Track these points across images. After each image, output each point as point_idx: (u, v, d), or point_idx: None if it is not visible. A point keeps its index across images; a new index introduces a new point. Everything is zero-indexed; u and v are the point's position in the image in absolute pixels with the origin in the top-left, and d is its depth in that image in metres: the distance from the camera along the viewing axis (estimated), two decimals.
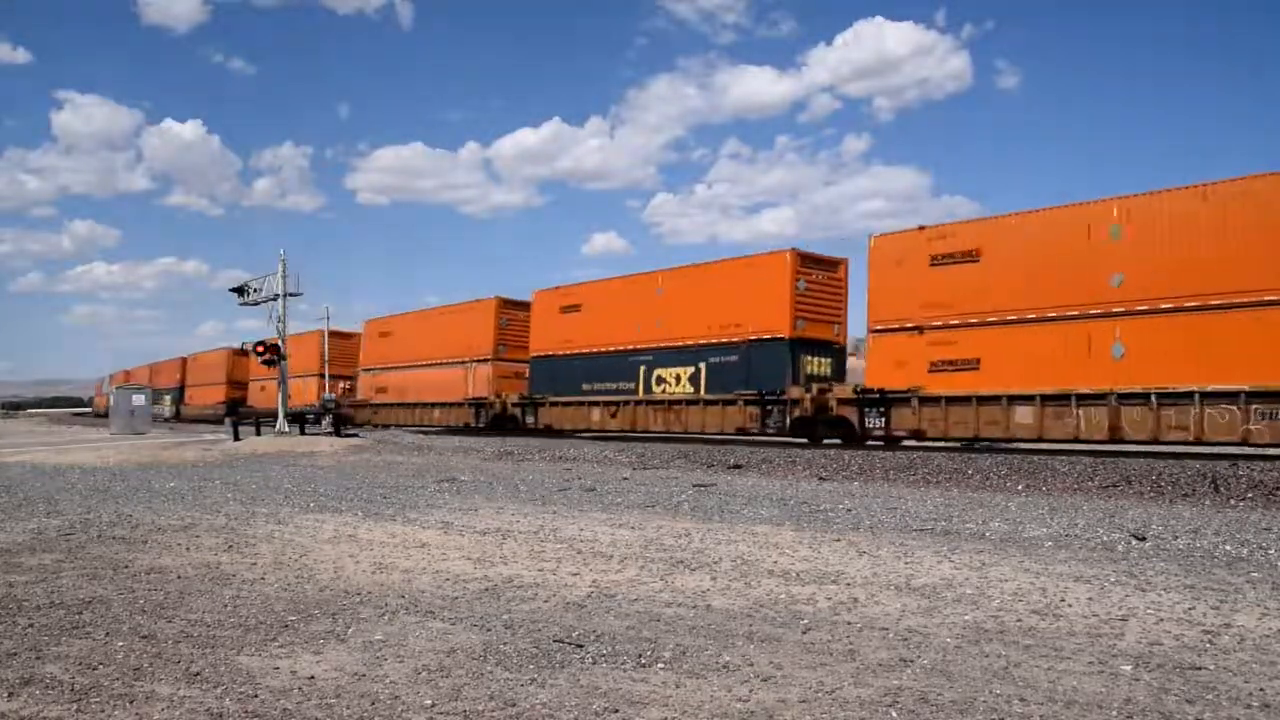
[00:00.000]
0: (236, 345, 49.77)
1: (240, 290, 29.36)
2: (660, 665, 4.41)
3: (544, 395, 27.83)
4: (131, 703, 3.92)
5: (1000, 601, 5.72)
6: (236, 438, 25.85)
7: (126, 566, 7.05)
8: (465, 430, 30.92)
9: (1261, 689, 4.00)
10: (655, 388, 24.28)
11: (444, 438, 27.14)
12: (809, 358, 21.75)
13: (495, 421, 29.95)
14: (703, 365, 23.03)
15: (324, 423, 29.74)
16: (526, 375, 29.63)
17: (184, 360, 60.87)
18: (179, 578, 6.62)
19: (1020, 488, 12.46)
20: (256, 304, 28.95)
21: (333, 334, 41.96)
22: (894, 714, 3.71)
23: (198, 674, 4.29)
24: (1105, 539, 8.19)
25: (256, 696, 3.97)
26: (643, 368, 24.62)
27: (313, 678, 4.23)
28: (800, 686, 4.07)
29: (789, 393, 20.84)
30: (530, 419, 28.43)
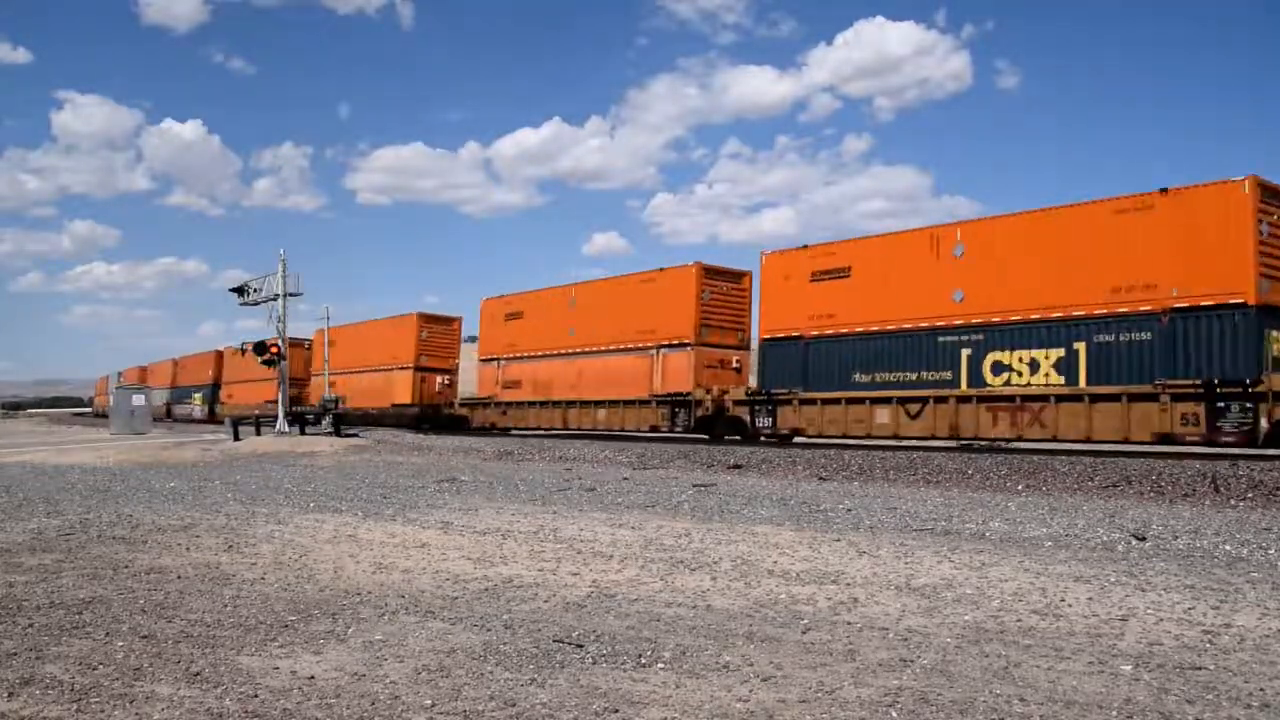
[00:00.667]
0: (274, 338, 43.39)
1: (240, 290, 29.40)
2: (660, 665, 4.41)
3: (788, 390, 20.73)
4: (131, 703, 3.92)
5: (1000, 601, 5.72)
6: (237, 438, 25.87)
7: (126, 566, 7.05)
8: (651, 436, 24.48)
9: (1261, 689, 4.00)
10: (991, 378, 17.42)
11: (444, 437, 26.97)
12: (1276, 333, 15.04)
13: (704, 424, 23.03)
14: (1080, 346, 16.28)
15: (324, 423, 29.73)
16: (734, 365, 23.78)
17: (219, 354, 52.86)
18: (179, 578, 6.62)
19: (1020, 488, 12.46)
20: (256, 304, 29.01)
21: (425, 318, 34.74)
22: (894, 714, 3.71)
23: (198, 674, 4.29)
24: (1105, 539, 8.19)
25: (256, 696, 3.97)
26: (966, 351, 17.81)
27: (313, 678, 4.23)
28: (800, 686, 4.07)
29: (1271, 382, 14.27)
30: (764, 421, 21.31)
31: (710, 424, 22.90)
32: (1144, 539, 8.11)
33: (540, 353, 28.21)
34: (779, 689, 4.04)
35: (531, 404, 28.26)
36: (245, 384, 47.15)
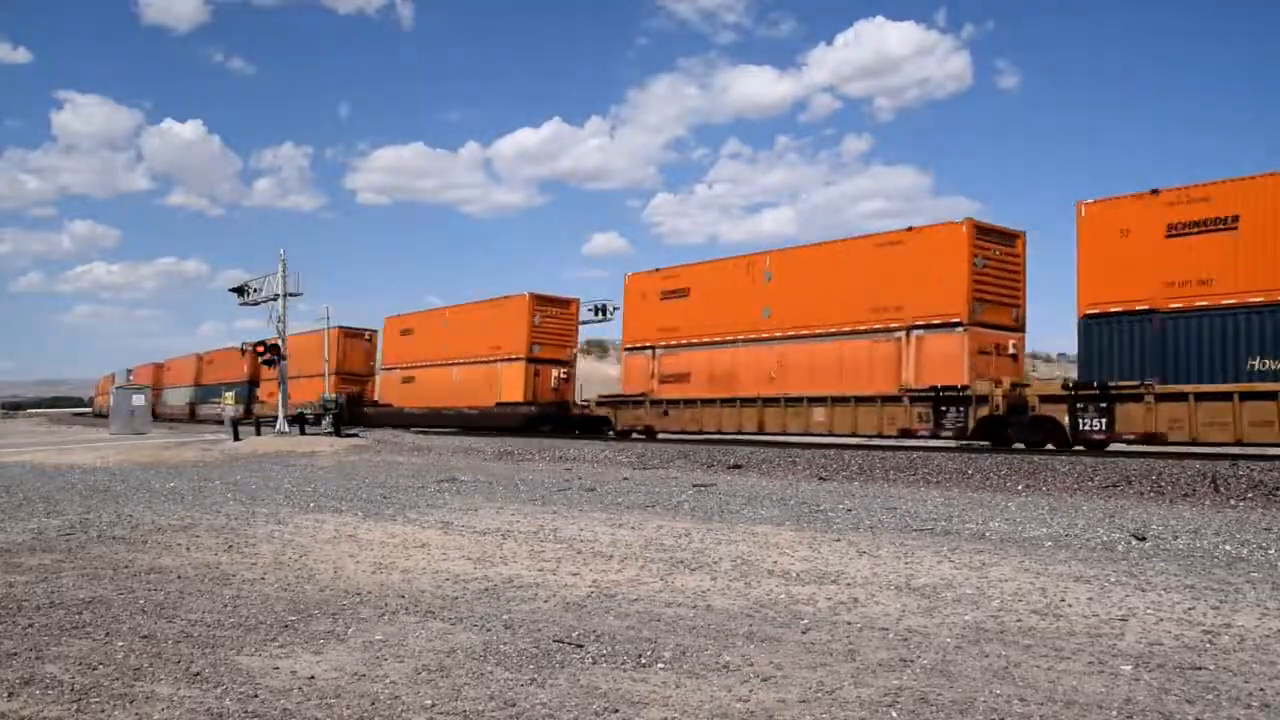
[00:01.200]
0: (350, 326, 36.94)
1: (240, 290, 29.46)
2: (660, 665, 4.41)
3: (1138, 381, 15.49)
4: (131, 703, 3.92)
5: (1000, 601, 5.72)
6: (236, 438, 25.87)
7: (126, 566, 7.05)
8: (894, 444, 19.26)
9: (1261, 689, 4.00)
10: None
11: (444, 437, 26.79)
12: None
13: (988, 427, 17.57)
14: None
15: (324, 423, 29.73)
16: (1010, 350, 18.52)
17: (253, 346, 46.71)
18: (179, 578, 6.62)
19: (1020, 488, 12.46)
20: (256, 304, 29.08)
21: (539, 300, 28.64)
22: (894, 714, 3.71)
23: (198, 674, 4.29)
24: (1105, 539, 8.19)
25: (256, 696, 3.97)
26: None
27: (313, 678, 4.23)
28: (800, 686, 4.07)
29: None
30: (1093, 423, 15.99)
31: (997, 426, 17.51)
32: (1144, 539, 8.11)
33: (718, 338, 22.49)
34: (779, 689, 4.04)
35: (707, 402, 22.55)
36: (291, 381, 39.14)
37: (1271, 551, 7.44)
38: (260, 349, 27.71)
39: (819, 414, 20.09)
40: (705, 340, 22.97)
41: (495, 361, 29.12)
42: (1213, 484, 11.56)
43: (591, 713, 3.76)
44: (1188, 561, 7.08)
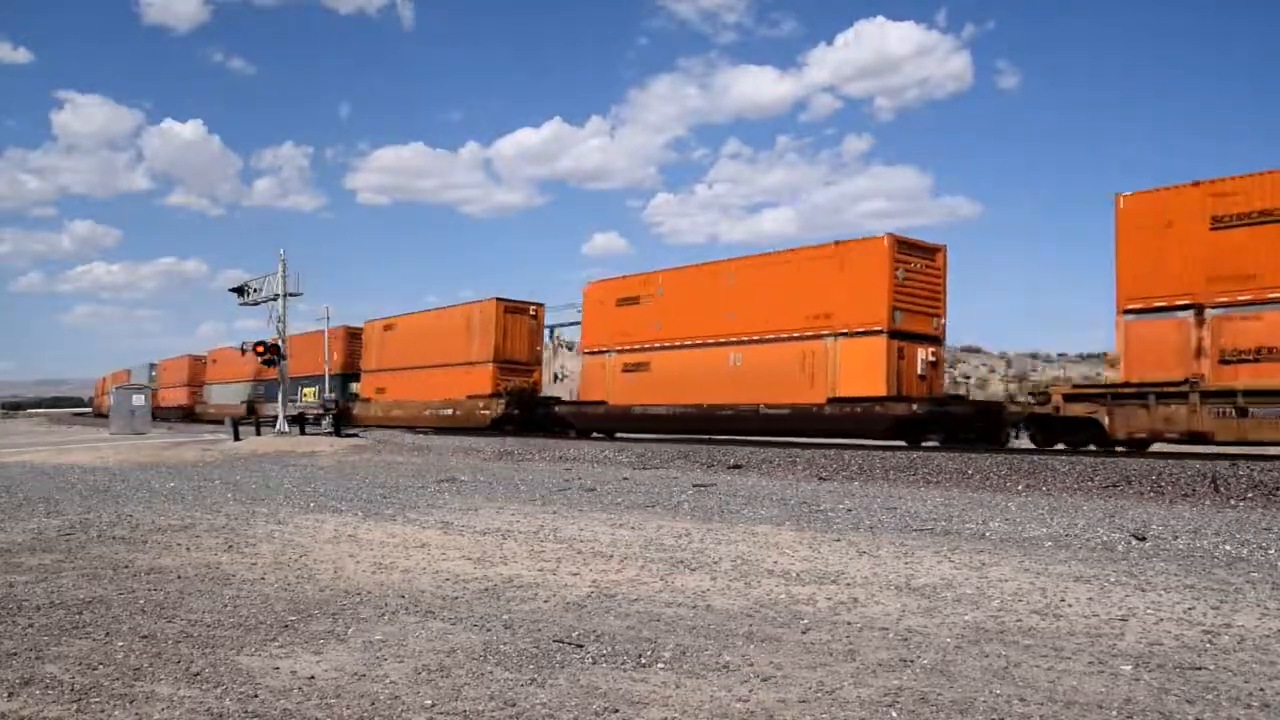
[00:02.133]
0: (494, 298, 28.55)
1: (240, 290, 29.45)
2: (660, 665, 4.41)
3: None
4: (131, 703, 3.92)
5: (1000, 601, 5.72)
6: (236, 438, 25.88)
7: (126, 566, 7.05)
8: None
9: (1261, 689, 4.00)
10: None
11: (445, 437, 26.73)
12: None
13: None
14: None
15: (324, 423, 29.71)
16: None
17: (348, 331, 34.86)
18: (179, 578, 6.62)
19: (1020, 488, 12.46)
20: (256, 304, 29.05)
21: (903, 245, 19.14)
22: (894, 714, 3.71)
23: (198, 674, 4.29)
24: (1105, 539, 8.19)
25: (256, 696, 3.97)
26: None
27: (313, 678, 4.23)
28: (800, 686, 4.07)
29: None
30: None
31: None
32: (1144, 539, 8.12)
33: None
34: (779, 689, 4.04)
35: None
36: (418, 372, 30.43)
37: (1271, 551, 7.45)
38: (260, 349, 27.64)
39: None
40: None
41: (820, 337, 19.76)
42: (1213, 484, 11.56)
43: (591, 713, 3.76)
44: (1188, 561, 7.08)
